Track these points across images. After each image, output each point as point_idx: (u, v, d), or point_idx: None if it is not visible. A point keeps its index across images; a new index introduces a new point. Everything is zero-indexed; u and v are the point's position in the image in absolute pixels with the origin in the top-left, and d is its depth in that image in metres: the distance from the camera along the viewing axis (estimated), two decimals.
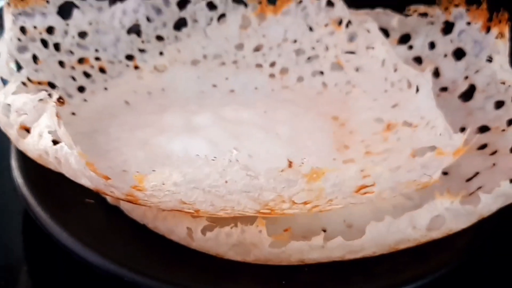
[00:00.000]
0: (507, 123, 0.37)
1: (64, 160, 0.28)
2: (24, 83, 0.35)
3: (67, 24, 0.41)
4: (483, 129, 0.38)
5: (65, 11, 0.41)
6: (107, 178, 0.27)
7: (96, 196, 0.34)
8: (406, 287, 0.30)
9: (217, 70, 0.44)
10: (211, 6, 0.45)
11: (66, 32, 0.41)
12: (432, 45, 0.43)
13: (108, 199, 0.34)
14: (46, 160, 0.29)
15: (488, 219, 0.32)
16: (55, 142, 0.29)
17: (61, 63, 0.40)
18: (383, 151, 0.36)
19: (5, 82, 0.34)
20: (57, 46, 0.40)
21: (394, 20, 0.44)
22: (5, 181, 0.35)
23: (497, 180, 0.30)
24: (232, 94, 0.42)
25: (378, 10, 0.44)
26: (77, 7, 0.41)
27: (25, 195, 0.33)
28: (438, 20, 0.43)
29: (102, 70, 0.41)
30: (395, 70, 0.39)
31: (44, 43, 0.40)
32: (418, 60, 0.43)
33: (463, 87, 0.41)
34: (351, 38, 0.43)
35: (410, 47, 0.44)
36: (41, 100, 0.31)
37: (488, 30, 0.40)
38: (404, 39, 0.44)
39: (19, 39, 0.38)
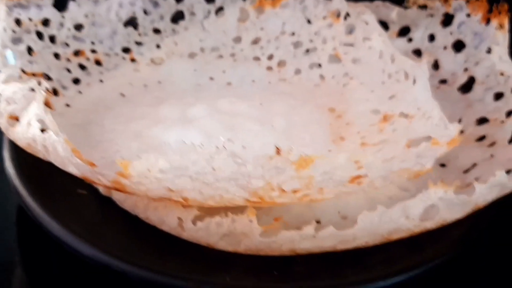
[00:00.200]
0: (506, 114, 0.37)
1: (52, 148, 0.28)
2: (17, 75, 0.35)
3: (63, 17, 0.41)
4: (482, 120, 0.38)
5: (61, 4, 0.40)
6: (93, 165, 0.27)
7: (88, 187, 0.34)
8: (399, 277, 0.30)
9: (214, 63, 0.43)
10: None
11: (61, 25, 0.41)
12: (431, 38, 0.43)
13: (101, 189, 0.34)
14: (35, 148, 0.29)
15: (486, 210, 0.31)
16: (44, 132, 0.28)
17: (56, 55, 0.40)
18: (379, 142, 0.35)
19: None
20: (52, 38, 0.40)
21: (393, 12, 0.43)
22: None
23: (495, 171, 0.30)
24: (229, 87, 0.42)
25: (377, 3, 0.44)
26: None
27: (17, 186, 0.33)
28: (438, 12, 0.43)
29: (98, 63, 0.41)
30: (393, 61, 0.38)
31: (39, 35, 0.39)
32: (417, 52, 0.43)
33: (463, 79, 0.40)
34: (349, 31, 0.42)
35: (410, 40, 0.43)
36: (31, 89, 0.31)
37: (488, 21, 0.40)
38: (404, 31, 0.44)
39: (13, 31, 0.37)
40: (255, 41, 0.45)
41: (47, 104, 0.35)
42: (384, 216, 0.30)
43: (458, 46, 0.42)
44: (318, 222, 0.33)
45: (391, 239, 0.31)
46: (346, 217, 0.33)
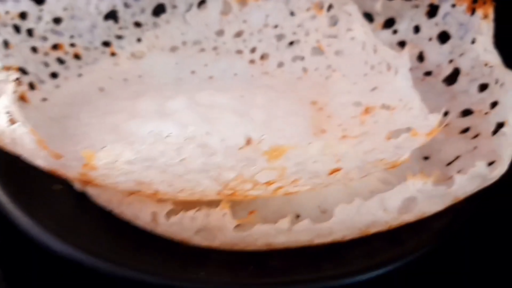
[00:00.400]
0: (491, 105, 0.36)
1: (20, 140, 0.27)
2: None
3: (41, 10, 0.40)
4: (466, 112, 0.37)
5: None
6: (59, 156, 0.26)
7: (63, 182, 0.33)
8: (379, 270, 0.29)
9: (196, 57, 0.43)
10: None
11: (39, 18, 0.40)
12: (416, 29, 0.42)
13: (76, 184, 0.33)
14: (4, 141, 0.28)
15: (467, 201, 0.31)
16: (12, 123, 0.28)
17: (34, 49, 0.39)
18: (360, 134, 0.35)
19: None
20: (30, 32, 0.39)
21: (378, 4, 0.43)
22: None
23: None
24: (210, 80, 0.41)
25: None
26: None
27: None
28: (423, 3, 0.42)
29: (77, 57, 0.41)
30: (375, 52, 0.38)
31: (17, 28, 0.39)
32: (402, 44, 0.42)
33: (448, 70, 0.40)
34: (333, 22, 0.42)
35: (395, 32, 0.43)
36: (1, 82, 0.30)
37: (473, 12, 0.39)
38: (389, 23, 0.43)
39: None
40: (238, 34, 0.44)
41: (22, 98, 0.34)
42: (361, 208, 0.29)
43: (443, 37, 0.41)
44: (297, 216, 0.32)
45: (370, 233, 0.30)
46: (326, 211, 0.32)
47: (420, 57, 0.42)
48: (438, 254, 0.32)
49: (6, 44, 0.38)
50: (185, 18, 0.44)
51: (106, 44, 0.42)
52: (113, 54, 0.42)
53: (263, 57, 0.43)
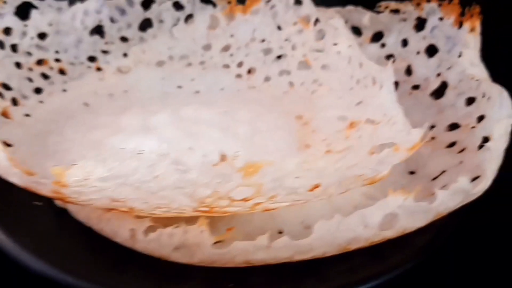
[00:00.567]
0: (477, 119, 0.35)
1: None
2: None
3: (25, 25, 0.40)
4: (453, 126, 0.37)
5: (23, 12, 0.40)
6: (30, 173, 0.26)
7: (44, 199, 0.33)
8: (360, 287, 0.29)
9: (183, 71, 0.43)
10: (178, 7, 0.44)
11: (24, 33, 0.40)
12: (404, 43, 0.42)
13: (57, 201, 0.33)
14: None
15: (452, 217, 0.30)
16: None
17: (18, 64, 0.39)
18: (344, 149, 0.34)
19: None
20: (14, 47, 0.39)
21: (365, 17, 0.43)
22: None
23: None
24: (196, 95, 0.41)
25: (350, 8, 0.43)
26: (35, 7, 0.40)
27: None
28: (411, 16, 0.42)
29: (62, 72, 0.40)
30: (361, 66, 0.37)
31: (0, 44, 0.39)
32: (390, 58, 0.42)
33: (435, 84, 0.40)
34: (320, 36, 0.41)
35: (383, 45, 0.43)
36: None
37: (460, 25, 0.39)
38: (377, 37, 0.43)
39: None
40: (225, 49, 0.44)
41: (4, 114, 0.34)
42: (342, 225, 0.29)
43: (431, 50, 0.41)
44: (280, 232, 0.32)
45: (351, 249, 0.30)
46: (309, 227, 0.32)
47: (408, 71, 0.41)
48: (421, 269, 0.31)
49: None
50: (172, 33, 0.44)
51: (91, 59, 0.42)
52: (98, 69, 0.42)
53: (250, 71, 0.43)
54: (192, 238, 0.29)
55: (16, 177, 0.27)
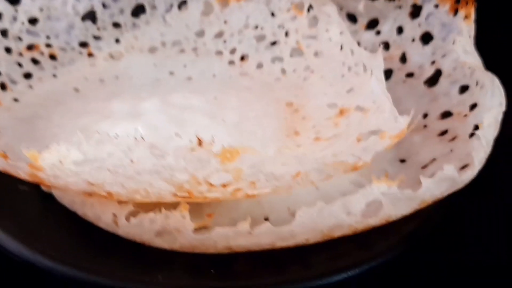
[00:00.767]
0: (470, 107, 0.35)
1: None
2: None
3: (16, 10, 0.40)
4: (446, 114, 0.36)
5: None
6: (5, 156, 0.25)
7: (30, 184, 0.33)
8: (344, 274, 0.29)
9: (175, 58, 0.42)
10: None
11: (15, 18, 0.40)
12: (400, 30, 0.41)
13: (42, 186, 0.33)
14: None
15: (439, 206, 0.30)
16: None
17: (8, 50, 0.39)
18: (332, 136, 0.34)
19: None
20: (4, 32, 0.39)
21: (361, 4, 0.42)
22: None
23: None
24: (188, 81, 0.41)
25: None
26: None
27: None
28: (406, 3, 0.41)
29: (52, 57, 0.40)
30: (352, 53, 0.37)
31: None
32: (385, 45, 0.41)
33: (429, 72, 0.39)
34: (313, 23, 0.41)
35: (378, 33, 0.42)
36: None
37: (456, 12, 0.38)
38: (372, 24, 0.42)
39: None
40: (218, 35, 0.43)
41: None
42: (324, 211, 0.28)
43: (426, 38, 0.40)
44: (266, 219, 0.31)
45: (334, 236, 0.30)
46: (295, 214, 0.31)
47: (403, 58, 0.41)
48: (407, 257, 0.31)
49: None
50: (165, 19, 0.44)
51: (83, 44, 0.42)
52: (90, 55, 0.42)
53: (242, 58, 0.42)
54: (173, 224, 0.29)
55: None
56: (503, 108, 0.31)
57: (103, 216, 0.30)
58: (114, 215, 0.30)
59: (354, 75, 0.37)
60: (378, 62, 0.34)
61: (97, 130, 0.33)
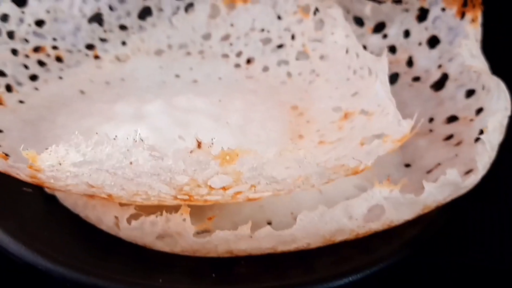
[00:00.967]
0: (476, 112, 0.35)
1: None
2: None
3: (23, 12, 0.40)
4: (452, 119, 0.36)
5: None
6: (5, 157, 0.25)
7: (33, 185, 0.33)
8: (346, 278, 0.28)
9: (181, 60, 0.42)
10: None
11: (21, 20, 0.40)
12: (406, 33, 0.41)
13: (46, 187, 0.33)
14: None
15: (443, 210, 0.30)
16: None
17: (14, 51, 0.39)
18: (336, 140, 0.34)
19: None
20: (11, 34, 0.39)
21: (367, 7, 0.42)
22: None
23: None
24: (194, 84, 0.41)
25: None
26: None
27: None
28: (413, 6, 0.41)
29: (58, 59, 0.40)
30: (357, 57, 0.37)
31: None
32: (392, 49, 0.41)
33: (436, 76, 0.39)
34: (319, 26, 0.41)
35: (385, 36, 0.42)
36: None
37: (463, 15, 0.38)
38: (379, 27, 0.42)
39: None
40: (225, 38, 0.43)
41: None
42: (325, 216, 0.28)
43: (433, 41, 0.40)
44: (269, 223, 0.31)
45: (336, 241, 0.29)
46: None
47: (409, 62, 0.40)
48: (409, 263, 0.30)
49: None
50: (172, 22, 0.44)
51: (90, 47, 0.42)
52: (96, 57, 0.42)
53: (248, 61, 0.42)
54: (174, 227, 0.28)
55: None
56: (508, 112, 0.31)
57: (105, 218, 0.30)
58: (116, 218, 0.30)
59: (359, 78, 0.37)
60: (383, 65, 0.34)
61: (99, 131, 0.33)
